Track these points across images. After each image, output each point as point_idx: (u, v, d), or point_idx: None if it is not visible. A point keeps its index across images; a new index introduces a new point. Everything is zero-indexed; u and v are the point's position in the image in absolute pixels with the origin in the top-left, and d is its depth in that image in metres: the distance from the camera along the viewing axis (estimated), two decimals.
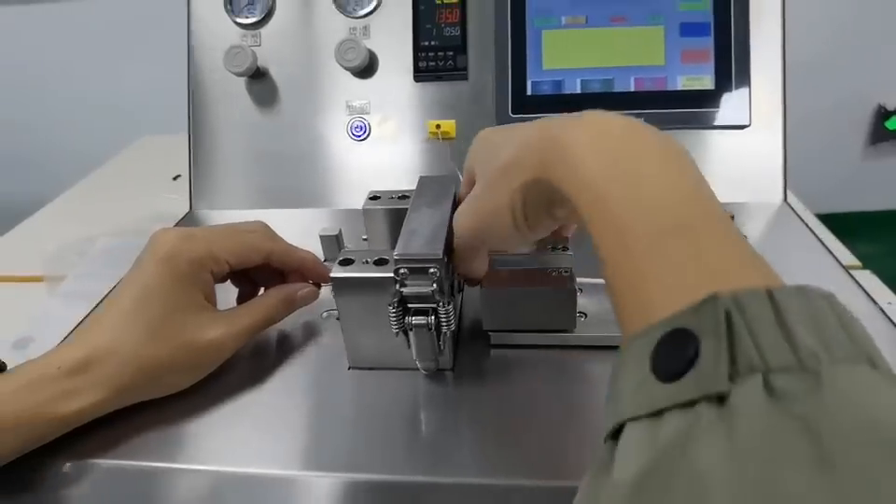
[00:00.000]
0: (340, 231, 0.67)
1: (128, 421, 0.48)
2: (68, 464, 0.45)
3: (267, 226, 0.56)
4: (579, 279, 0.52)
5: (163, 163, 1.40)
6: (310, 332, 0.58)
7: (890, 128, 2.51)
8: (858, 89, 2.47)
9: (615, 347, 0.51)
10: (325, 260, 0.68)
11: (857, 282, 0.61)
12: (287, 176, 0.82)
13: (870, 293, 0.60)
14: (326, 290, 0.60)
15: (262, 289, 0.57)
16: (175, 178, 1.36)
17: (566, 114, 0.40)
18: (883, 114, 2.48)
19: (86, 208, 1.25)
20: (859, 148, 2.63)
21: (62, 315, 0.86)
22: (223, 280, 0.55)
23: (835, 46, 2.35)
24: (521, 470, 0.42)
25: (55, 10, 2.37)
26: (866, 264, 0.86)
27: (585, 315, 0.54)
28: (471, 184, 0.48)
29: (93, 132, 2.41)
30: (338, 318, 0.57)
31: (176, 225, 0.82)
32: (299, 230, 0.78)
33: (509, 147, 0.42)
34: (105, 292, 0.66)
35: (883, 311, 0.57)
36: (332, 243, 0.66)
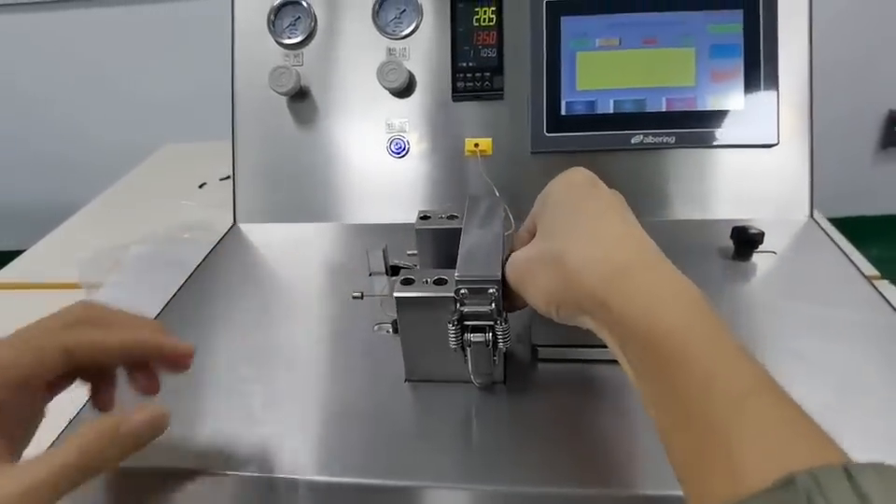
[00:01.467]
0: (386, 246, 0.70)
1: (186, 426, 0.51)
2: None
3: (84, 306, 0.43)
4: None
5: (188, 171, 1.44)
6: (364, 346, 0.61)
7: None
8: (869, 95, 2.49)
9: None
10: (371, 274, 0.72)
11: (882, 295, 0.64)
12: (327, 192, 0.85)
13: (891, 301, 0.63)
14: (372, 305, 0.63)
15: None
16: (200, 186, 1.40)
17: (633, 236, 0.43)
18: (894, 119, 2.49)
19: (116, 216, 1.28)
20: (870, 153, 2.64)
21: None
22: (51, 391, 0.42)
23: (847, 53, 2.37)
24: (570, 480, 0.45)
25: (87, 16, 2.41)
26: (878, 267, 0.87)
27: None
28: (532, 232, 0.50)
29: (122, 136, 2.45)
30: (388, 332, 0.60)
31: (221, 239, 0.85)
32: (339, 242, 0.81)
33: (574, 249, 0.42)
34: (141, 301, 0.69)
35: None
36: (379, 257, 0.70)
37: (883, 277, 0.89)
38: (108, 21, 2.42)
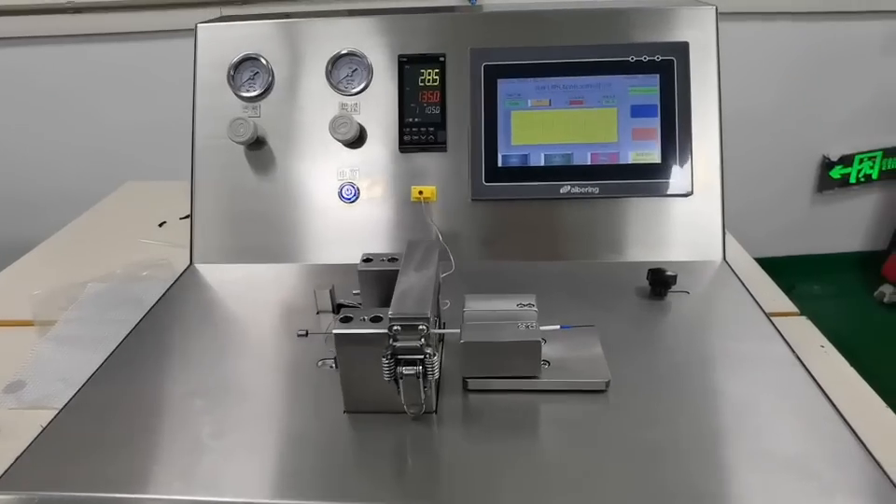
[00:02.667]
0: (333, 286, 0.76)
1: (123, 452, 0.55)
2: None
3: None
4: (542, 328, 0.61)
5: (148, 209, 1.46)
6: (309, 380, 0.66)
7: (834, 177, 2.69)
8: (804, 142, 2.66)
9: (575, 392, 0.60)
10: (318, 312, 0.77)
11: (779, 333, 0.72)
12: (281, 235, 0.91)
13: (804, 338, 0.70)
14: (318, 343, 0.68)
15: None
16: (160, 225, 1.43)
17: None
18: (827, 164, 2.66)
19: (74, 253, 1.29)
20: (807, 196, 2.80)
21: (54, 360, 0.92)
22: None
23: (783, 101, 2.54)
24: (494, 500, 0.51)
25: (47, 53, 2.42)
26: (815, 303, 0.95)
27: (549, 362, 0.63)
28: None
29: (79, 175, 2.44)
30: (331, 367, 0.65)
31: (178, 278, 0.89)
32: (291, 283, 0.86)
33: None
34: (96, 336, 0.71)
35: (800, 360, 0.67)
36: (326, 297, 0.75)
37: (802, 313, 0.97)
38: (69, 57, 2.43)
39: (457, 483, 0.53)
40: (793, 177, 2.72)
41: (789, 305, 1.01)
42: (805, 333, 0.93)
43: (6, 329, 1.02)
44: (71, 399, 0.65)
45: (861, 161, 2.67)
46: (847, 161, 2.65)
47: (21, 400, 0.83)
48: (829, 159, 2.64)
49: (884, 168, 2.71)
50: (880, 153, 2.68)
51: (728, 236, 0.93)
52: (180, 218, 1.43)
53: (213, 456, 0.56)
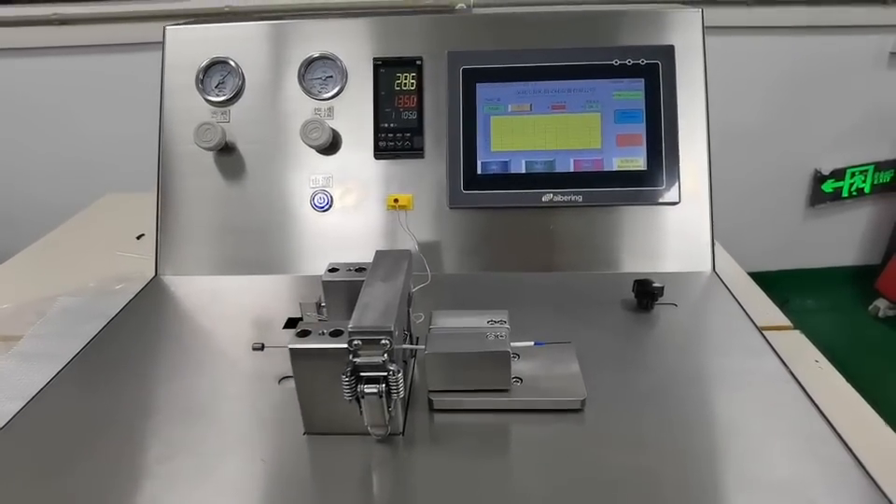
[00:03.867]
0: (320, 297, 0.70)
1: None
2: None
3: None
4: (513, 344, 0.57)
5: (126, 222, 1.41)
6: (267, 398, 0.61)
7: (826, 191, 2.68)
8: (796, 156, 2.65)
9: (548, 411, 0.56)
10: (284, 327, 0.72)
11: (771, 346, 0.68)
12: (251, 245, 0.86)
13: (798, 352, 0.67)
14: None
15: None
16: (138, 237, 1.38)
17: None
18: (819, 178, 2.65)
19: (48, 265, 1.25)
20: (800, 210, 2.79)
21: (13, 376, 0.87)
22: None
23: (775, 117, 2.54)
24: None
25: (31, 65, 2.40)
26: (809, 318, 0.92)
27: (521, 379, 0.59)
28: None
29: (57, 187, 2.41)
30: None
31: (141, 291, 0.85)
32: (260, 295, 0.82)
33: None
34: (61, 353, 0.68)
35: (793, 375, 0.63)
36: (312, 308, 0.69)
37: (796, 328, 0.94)
38: (54, 68, 2.42)
39: None
40: (786, 191, 2.71)
41: (782, 319, 0.98)
42: (799, 348, 0.90)
43: None
44: (12, 418, 0.60)
45: (853, 174, 2.66)
46: (838, 174, 2.64)
47: None
48: (821, 173, 2.63)
49: (876, 182, 2.70)
50: (871, 167, 2.67)
51: (719, 248, 0.89)
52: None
53: (157, 482, 0.51)
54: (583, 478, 0.51)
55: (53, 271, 1.18)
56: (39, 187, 2.55)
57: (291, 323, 0.72)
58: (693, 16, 0.85)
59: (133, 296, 0.84)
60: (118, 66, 2.38)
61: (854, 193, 2.69)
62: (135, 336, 0.74)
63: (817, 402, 0.58)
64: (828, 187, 2.66)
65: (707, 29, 0.86)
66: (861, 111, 2.57)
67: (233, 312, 0.78)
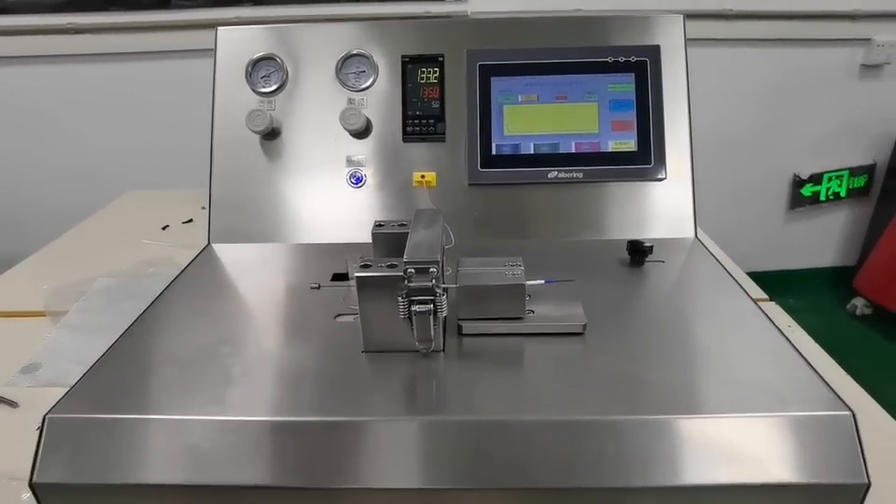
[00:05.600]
0: (361, 256, 0.81)
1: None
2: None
3: None
4: (527, 283, 0.69)
5: (149, 215, 1.52)
6: (325, 330, 0.73)
7: (805, 194, 2.82)
8: (776, 161, 2.79)
9: (555, 335, 0.69)
10: (332, 279, 0.84)
11: (744, 290, 0.81)
12: (293, 216, 0.99)
13: (773, 318, 0.78)
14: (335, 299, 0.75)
15: None
16: (164, 228, 1.49)
17: None
18: (798, 182, 2.79)
19: (79, 254, 1.34)
20: (781, 213, 2.92)
21: (68, 344, 0.98)
22: None
23: (756, 122, 2.68)
24: (498, 410, 0.58)
25: (40, 72, 2.48)
26: (792, 317, 1.01)
27: (533, 311, 0.72)
28: None
29: (66, 194, 2.47)
30: (353, 319, 0.73)
31: (196, 257, 0.96)
32: (303, 259, 0.94)
33: None
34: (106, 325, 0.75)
35: (781, 332, 0.75)
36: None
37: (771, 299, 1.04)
38: (69, 76, 2.49)
39: (460, 400, 0.61)
40: (767, 195, 2.85)
41: (758, 291, 1.10)
42: (774, 316, 1.02)
43: (19, 319, 1.08)
44: (108, 350, 0.71)
45: (830, 179, 2.81)
46: (816, 179, 2.79)
47: (38, 380, 0.89)
48: (799, 177, 2.78)
49: (851, 186, 2.85)
50: (847, 172, 2.82)
51: (705, 237, 1.00)
52: (183, 223, 1.49)
53: (244, 387, 0.63)
54: (585, 381, 0.63)
55: (85, 258, 1.29)
56: (49, 193, 2.61)
57: (337, 277, 0.84)
58: (675, 20, 1.00)
59: (175, 274, 0.92)
60: (130, 75, 2.46)
61: (831, 197, 2.84)
62: (198, 289, 0.86)
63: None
64: (807, 191, 2.80)
65: (690, 41, 1.00)
66: (835, 119, 2.73)
67: (283, 270, 0.91)
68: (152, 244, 1.38)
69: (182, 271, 0.92)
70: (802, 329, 0.99)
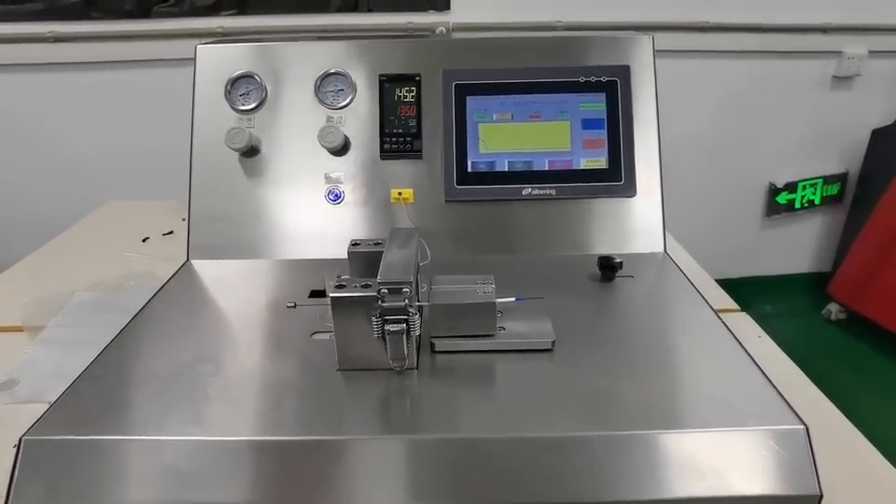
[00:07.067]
0: (338, 273, 0.82)
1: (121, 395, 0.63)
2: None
3: None
4: (498, 300, 0.72)
5: (130, 226, 1.52)
6: (301, 348, 0.75)
7: (781, 202, 2.88)
8: (752, 169, 2.85)
9: (525, 351, 0.71)
10: (309, 297, 0.86)
11: (707, 303, 0.84)
12: (272, 233, 1.00)
13: (743, 329, 0.81)
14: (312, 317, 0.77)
15: None
16: (144, 240, 1.49)
17: None
18: (774, 190, 2.85)
19: (59, 266, 1.34)
20: (756, 221, 2.98)
21: (46, 359, 0.98)
22: None
23: (731, 132, 2.74)
24: (472, 428, 0.61)
25: (20, 81, 2.46)
26: (767, 322, 1.04)
27: (504, 328, 0.74)
28: None
29: (47, 202, 2.45)
30: (328, 337, 0.74)
31: (175, 273, 0.97)
32: (285, 273, 0.95)
33: None
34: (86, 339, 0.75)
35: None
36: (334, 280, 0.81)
37: (743, 310, 1.07)
38: (41, 86, 2.47)
39: (434, 421, 0.63)
40: (743, 203, 2.91)
41: (729, 302, 1.13)
42: (744, 326, 1.04)
43: None
44: (80, 375, 0.71)
45: (805, 187, 2.87)
46: (791, 187, 2.85)
47: (15, 396, 0.88)
48: (775, 185, 2.83)
49: (825, 194, 2.92)
50: (821, 180, 2.89)
51: (678, 247, 1.03)
52: (163, 234, 1.50)
53: (221, 406, 0.64)
54: (554, 397, 0.65)
55: (65, 271, 1.28)
56: (28, 203, 2.58)
57: (314, 294, 0.86)
58: (645, 41, 1.03)
59: (153, 292, 0.92)
60: (111, 84, 2.45)
61: (806, 205, 2.90)
62: (177, 307, 0.87)
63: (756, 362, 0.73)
64: (782, 198, 2.86)
65: (668, 52, 1.03)
66: (808, 129, 2.79)
67: (261, 287, 0.92)
68: (133, 255, 1.39)
69: (161, 287, 0.93)
70: (771, 340, 1.02)
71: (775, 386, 0.66)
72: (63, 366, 0.90)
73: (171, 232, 1.51)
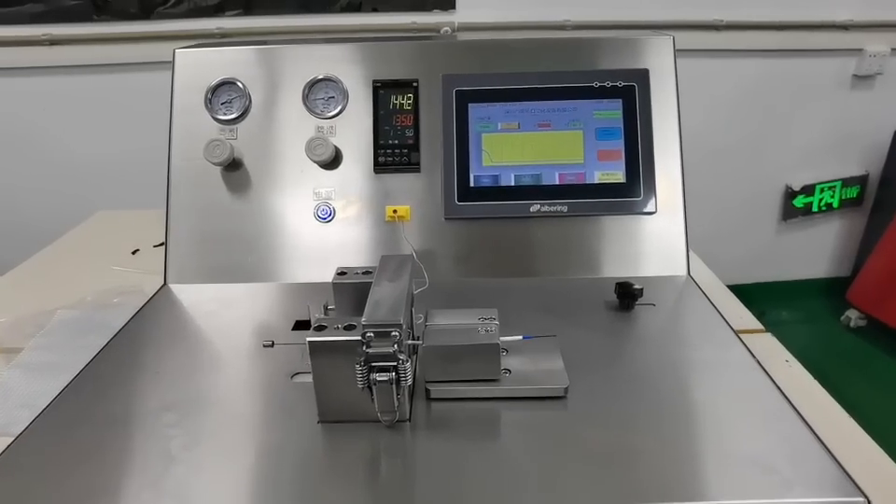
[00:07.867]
0: (327, 301, 0.74)
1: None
2: None
3: None
4: (503, 338, 0.63)
5: (121, 237, 1.44)
6: (280, 393, 0.66)
7: (798, 206, 2.79)
8: (768, 172, 2.77)
9: (534, 399, 0.62)
10: (293, 328, 0.78)
11: (740, 339, 0.74)
12: (257, 254, 0.92)
13: (769, 353, 0.73)
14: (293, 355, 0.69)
15: None
16: (133, 252, 1.42)
17: None
18: (790, 194, 2.76)
19: (44, 280, 1.27)
20: (773, 225, 2.89)
21: (18, 387, 0.90)
22: None
23: (747, 135, 2.65)
24: (466, 499, 0.52)
25: (16, 84, 2.42)
26: (784, 328, 0.97)
27: (510, 371, 0.65)
28: None
29: (42, 207, 2.41)
30: (307, 377, 0.66)
31: (151, 299, 0.89)
32: (267, 301, 0.87)
33: None
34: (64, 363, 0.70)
35: (760, 364, 0.69)
36: (320, 311, 0.73)
37: (767, 330, 1.00)
38: (36, 89, 2.43)
39: (430, 490, 0.54)
40: (759, 207, 2.82)
41: (755, 323, 1.05)
42: (771, 349, 0.96)
43: None
44: (36, 418, 0.64)
45: (822, 190, 2.78)
46: (808, 190, 2.75)
47: None
48: (791, 188, 2.74)
49: (844, 197, 2.82)
50: (839, 183, 2.79)
51: (696, 259, 0.96)
52: (154, 246, 1.42)
53: (183, 468, 0.56)
54: (568, 456, 0.57)
55: (49, 286, 1.21)
56: (24, 206, 2.55)
57: (299, 325, 0.77)
58: (665, 42, 0.93)
59: (141, 305, 0.88)
60: (108, 87, 2.41)
61: (823, 208, 2.81)
62: (149, 339, 0.79)
63: (787, 396, 0.64)
64: (799, 202, 2.77)
65: (681, 52, 0.94)
66: (827, 130, 2.70)
67: (242, 316, 0.83)
68: (121, 270, 1.32)
69: (134, 315, 0.85)
70: (800, 364, 0.93)
71: (825, 446, 0.57)
72: (35, 394, 0.82)
73: (162, 244, 1.44)
